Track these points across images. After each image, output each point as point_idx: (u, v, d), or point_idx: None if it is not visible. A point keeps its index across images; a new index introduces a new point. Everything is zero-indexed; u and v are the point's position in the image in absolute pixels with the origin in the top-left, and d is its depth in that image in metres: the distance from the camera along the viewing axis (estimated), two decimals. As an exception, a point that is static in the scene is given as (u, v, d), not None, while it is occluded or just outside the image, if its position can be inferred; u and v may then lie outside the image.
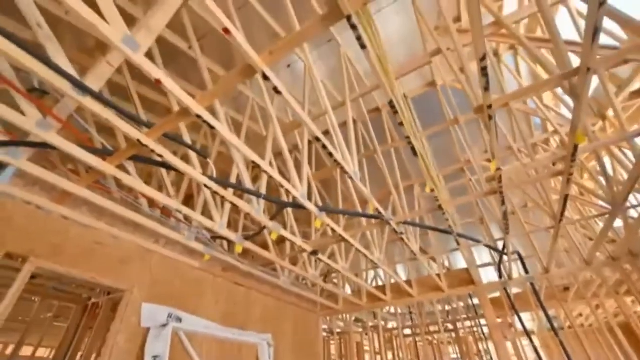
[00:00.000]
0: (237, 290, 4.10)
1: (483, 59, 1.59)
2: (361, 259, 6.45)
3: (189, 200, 4.67)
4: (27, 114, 1.91)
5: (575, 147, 2.19)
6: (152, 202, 2.97)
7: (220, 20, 1.43)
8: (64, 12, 2.73)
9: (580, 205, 4.55)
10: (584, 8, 3.06)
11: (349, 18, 1.40)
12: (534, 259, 6.99)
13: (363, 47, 1.51)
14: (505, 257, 4.40)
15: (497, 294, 7.16)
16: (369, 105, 4.33)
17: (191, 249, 3.51)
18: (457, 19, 3.77)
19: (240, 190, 2.53)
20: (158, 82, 1.65)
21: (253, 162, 2.16)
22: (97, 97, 1.81)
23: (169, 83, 1.68)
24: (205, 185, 2.37)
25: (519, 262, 4.41)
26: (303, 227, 4.91)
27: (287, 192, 2.58)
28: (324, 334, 7.49)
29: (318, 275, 4.21)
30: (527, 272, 4.36)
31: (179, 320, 3.19)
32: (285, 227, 4.26)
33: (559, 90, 4.28)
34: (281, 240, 3.92)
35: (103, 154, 2.21)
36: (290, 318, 4.89)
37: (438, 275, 4.85)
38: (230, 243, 4.13)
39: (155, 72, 1.64)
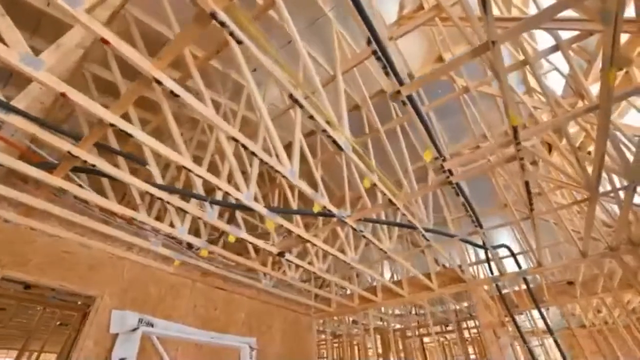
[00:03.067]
0: (218, 295, 4.16)
1: (369, 42, 1.54)
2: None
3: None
4: (-32, 134, 2.06)
5: (515, 129, 2.04)
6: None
7: (100, 32, 1.48)
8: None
9: (577, 193, 4.21)
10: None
11: (214, 15, 1.40)
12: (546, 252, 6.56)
13: (239, 42, 1.50)
14: (500, 253, 4.17)
15: (517, 288, 6.74)
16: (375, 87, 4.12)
17: (167, 255, 3.62)
18: (420, 8, 3.64)
19: (183, 194, 2.57)
20: (63, 95, 1.73)
21: (182, 166, 2.20)
22: (21, 113, 1.93)
23: (75, 95, 1.76)
24: (147, 192, 2.43)
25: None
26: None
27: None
28: (326, 336, 7.42)
29: (297, 278, 4.18)
30: (519, 266, 4.09)
31: (151, 325, 3.28)
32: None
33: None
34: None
35: (47, 167, 2.33)
36: (279, 321, 4.88)
37: (428, 274, 4.67)
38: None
39: (60, 86, 1.72)
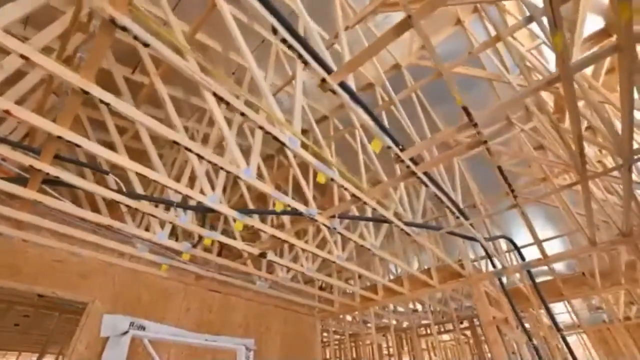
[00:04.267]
0: (213, 297, 4.22)
1: (275, 32, 1.48)
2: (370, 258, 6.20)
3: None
4: (-55, 156, 2.22)
5: (465, 110, 1.89)
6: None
7: (15, 48, 1.53)
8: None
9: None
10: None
11: (113, 21, 1.41)
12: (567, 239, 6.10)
13: (145, 45, 1.50)
14: (500, 247, 3.91)
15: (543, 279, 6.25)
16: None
17: (156, 261, 3.72)
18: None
19: (149, 200, 2.63)
20: (7, 112, 1.81)
21: (135, 171, 2.24)
22: (-18, 132, 2.05)
23: (19, 112, 1.84)
24: (114, 200, 2.51)
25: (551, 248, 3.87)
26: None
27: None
28: (337, 336, 7.34)
29: (289, 278, 4.15)
30: (523, 259, 3.81)
31: (142, 328, 3.39)
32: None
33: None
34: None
35: (21, 182, 2.47)
36: (279, 322, 4.88)
37: (428, 269, 4.47)
38: (207, 251, 4.32)
39: (4, 104, 1.80)
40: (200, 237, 3.17)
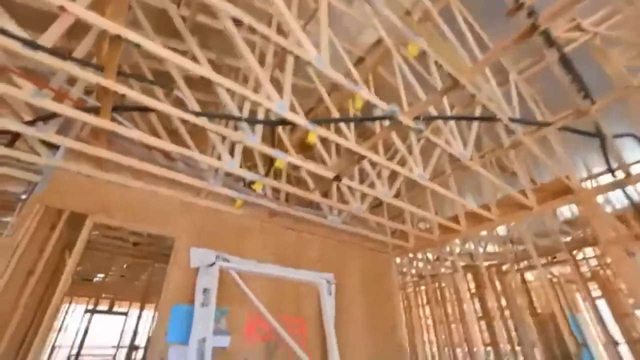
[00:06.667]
0: (287, 234, 4.17)
1: None
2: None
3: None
4: (23, 88, 2.23)
5: None
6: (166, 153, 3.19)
7: None
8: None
9: None
10: None
11: None
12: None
13: None
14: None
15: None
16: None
17: (232, 197, 3.67)
18: None
19: (213, 116, 2.46)
20: (62, 8, 1.66)
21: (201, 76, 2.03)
22: (48, 51, 1.97)
23: (73, 7, 1.68)
24: (182, 120, 2.38)
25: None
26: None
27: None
28: (415, 278, 7.09)
29: (364, 209, 3.88)
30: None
31: (227, 261, 3.44)
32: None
33: None
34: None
35: (93, 111, 2.44)
36: (356, 259, 4.74)
37: (522, 191, 3.87)
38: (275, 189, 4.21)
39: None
40: (272, 164, 3.00)
